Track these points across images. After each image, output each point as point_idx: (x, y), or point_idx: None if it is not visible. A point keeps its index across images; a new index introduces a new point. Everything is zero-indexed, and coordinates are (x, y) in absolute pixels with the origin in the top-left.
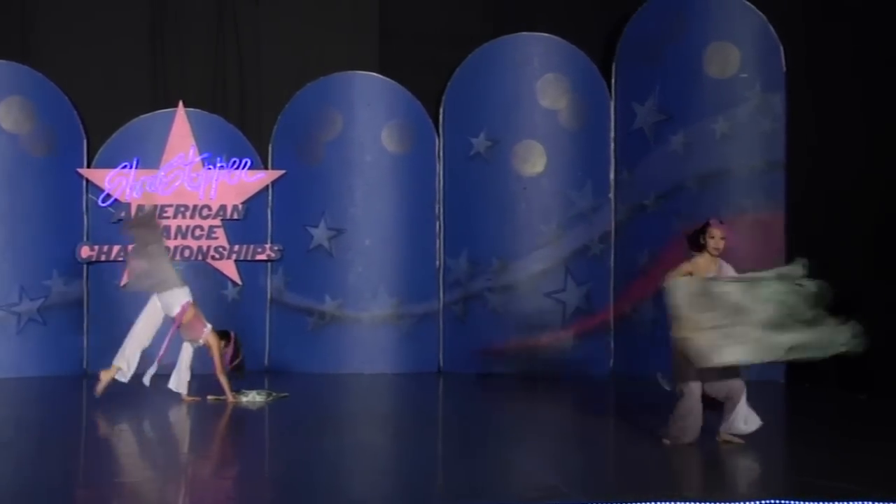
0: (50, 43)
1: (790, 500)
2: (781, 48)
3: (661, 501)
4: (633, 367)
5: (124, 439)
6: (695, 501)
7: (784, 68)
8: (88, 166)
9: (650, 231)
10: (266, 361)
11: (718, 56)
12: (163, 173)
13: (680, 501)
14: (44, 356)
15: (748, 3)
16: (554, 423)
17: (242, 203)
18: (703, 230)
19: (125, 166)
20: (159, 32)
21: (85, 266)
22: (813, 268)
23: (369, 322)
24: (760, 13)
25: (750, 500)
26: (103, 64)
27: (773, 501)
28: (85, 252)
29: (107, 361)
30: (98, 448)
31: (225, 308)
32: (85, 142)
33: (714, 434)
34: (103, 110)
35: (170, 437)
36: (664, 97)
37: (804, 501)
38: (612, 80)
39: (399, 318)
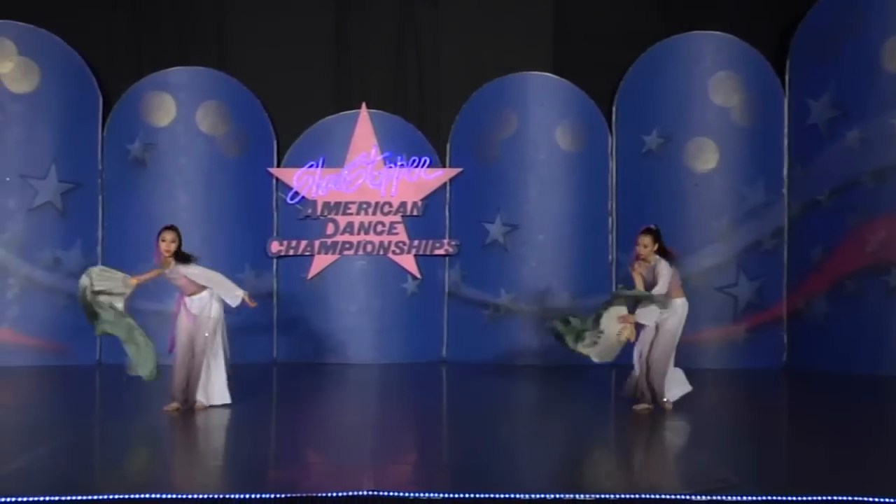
0: (243, 50)
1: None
2: None
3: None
4: (806, 362)
5: (307, 427)
6: (871, 497)
7: None
8: (278, 165)
9: (824, 227)
10: (444, 352)
11: None
12: (347, 172)
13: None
14: (237, 345)
15: None
16: (730, 416)
17: (422, 200)
18: None
19: (311, 165)
20: (343, 38)
21: (275, 260)
22: None
23: (542, 315)
24: None
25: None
26: (291, 69)
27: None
28: (275, 247)
29: (290, 350)
30: (284, 431)
31: (405, 301)
32: (275, 142)
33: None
34: (291, 112)
35: (355, 422)
36: (839, 93)
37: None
38: (786, 77)
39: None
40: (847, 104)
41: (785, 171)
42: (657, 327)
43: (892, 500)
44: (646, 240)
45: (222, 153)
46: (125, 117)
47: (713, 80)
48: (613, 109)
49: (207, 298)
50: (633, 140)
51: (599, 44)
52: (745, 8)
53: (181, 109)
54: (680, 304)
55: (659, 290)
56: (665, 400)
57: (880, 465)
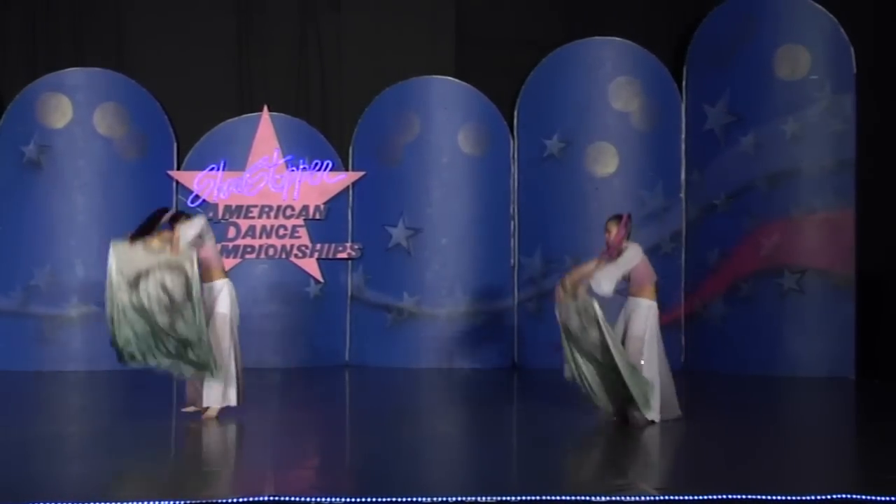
0: (142, 51)
1: (857, 494)
2: (852, 49)
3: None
4: (703, 363)
5: (209, 433)
6: (765, 495)
7: (854, 69)
8: (178, 168)
9: (720, 230)
10: (347, 356)
11: (789, 58)
12: (248, 175)
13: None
14: None
15: (818, 5)
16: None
17: (324, 203)
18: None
19: (213, 168)
20: (245, 40)
21: None
22: (883, 264)
23: (446, 318)
24: (831, 15)
25: (818, 494)
26: (192, 71)
27: (841, 496)
28: None
29: None
30: (184, 437)
31: (307, 304)
32: (175, 145)
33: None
34: (192, 115)
35: (256, 427)
36: (735, 99)
37: (871, 496)
38: (683, 83)
39: (474, 315)
40: (742, 110)
41: (683, 176)
42: (624, 332)
43: (784, 497)
44: (609, 225)
45: (121, 156)
46: (19, 119)
47: (613, 86)
48: (515, 114)
49: (219, 288)
50: (535, 144)
51: (501, 48)
52: (644, 14)
53: (78, 111)
54: (647, 306)
55: (611, 269)
56: (639, 414)
57: (775, 462)
